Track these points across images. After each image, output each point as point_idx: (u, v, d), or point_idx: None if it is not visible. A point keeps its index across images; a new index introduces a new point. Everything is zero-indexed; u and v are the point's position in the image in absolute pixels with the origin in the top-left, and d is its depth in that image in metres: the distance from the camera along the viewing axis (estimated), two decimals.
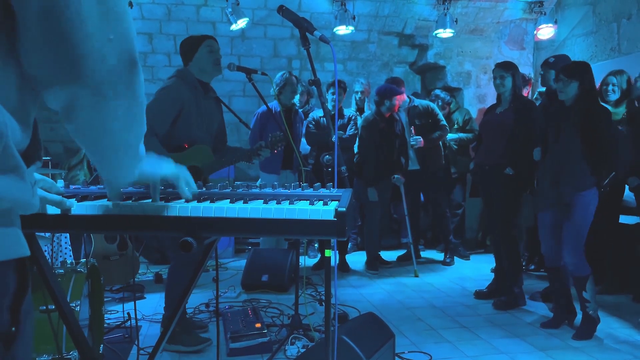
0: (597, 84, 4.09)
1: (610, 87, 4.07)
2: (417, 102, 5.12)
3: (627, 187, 3.99)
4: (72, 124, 0.77)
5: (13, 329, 0.74)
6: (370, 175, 4.83)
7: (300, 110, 5.07)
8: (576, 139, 3.12)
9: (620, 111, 4.03)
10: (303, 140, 4.95)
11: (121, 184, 1.05)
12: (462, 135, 5.42)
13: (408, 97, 5.11)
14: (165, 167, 1.13)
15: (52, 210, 1.14)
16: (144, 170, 1.03)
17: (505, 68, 3.80)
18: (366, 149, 4.84)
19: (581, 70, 3.17)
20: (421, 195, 5.45)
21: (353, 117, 4.97)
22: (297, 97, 4.76)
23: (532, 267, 4.95)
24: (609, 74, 4.15)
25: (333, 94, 4.77)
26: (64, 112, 0.75)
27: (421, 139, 4.94)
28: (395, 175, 4.92)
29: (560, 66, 3.34)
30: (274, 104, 4.33)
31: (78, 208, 1.15)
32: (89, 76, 0.70)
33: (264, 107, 4.34)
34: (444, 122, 5.09)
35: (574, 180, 3.13)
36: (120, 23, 0.72)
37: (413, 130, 4.98)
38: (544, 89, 4.92)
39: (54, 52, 0.68)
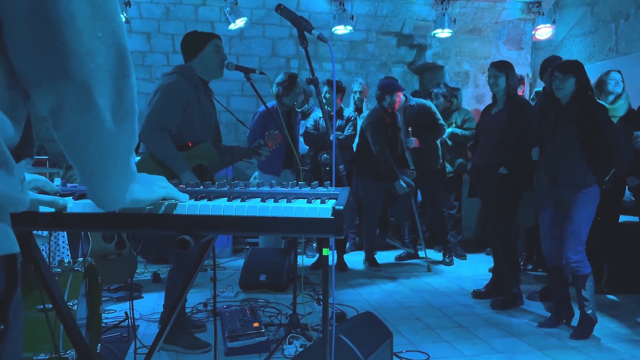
0: (593, 84, 4.11)
1: (613, 82, 4.08)
2: (414, 101, 5.08)
3: (626, 186, 4.00)
4: (60, 130, 0.75)
5: (2, 326, 0.74)
6: (391, 169, 4.76)
7: (299, 110, 5.08)
8: (573, 137, 3.12)
9: (619, 107, 4.04)
10: (301, 139, 4.94)
11: (111, 205, 0.93)
12: (458, 130, 5.37)
13: (404, 95, 5.06)
14: (157, 191, 1.07)
15: (48, 208, 1.14)
16: (137, 197, 0.98)
17: (499, 67, 3.79)
18: (379, 145, 4.71)
19: (576, 67, 3.19)
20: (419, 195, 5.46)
21: (352, 118, 4.96)
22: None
23: (530, 266, 4.96)
24: (611, 71, 4.16)
25: (328, 92, 4.75)
26: (52, 115, 0.74)
27: (414, 140, 4.91)
28: (408, 171, 4.93)
29: (554, 64, 3.35)
30: (273, 104, 4.31)
31: (75, 206, 1.14)
32: (76, 73, 0.70)
33: (264, 107, 4.32)
34: (441, 121, 5.04)
35: (573, 179, 3.13)
36: (109, 22, 0.72)
37: (410, 131, 4.95)
38: (541, 88, 4.93)
39: (42, 48, 0.68)
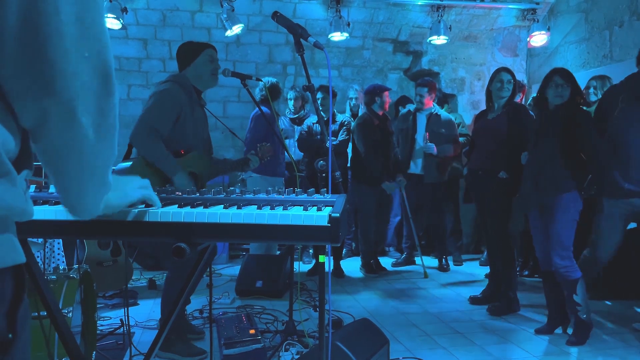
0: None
1: (591, 90, 4.23)
2: (442, 112, 5.13)
3: None
4: (40, 143, 0.76)
5: (10, 335, 0.74)
6: (378, 174, 4.80)
7: (295, 116, 5.11)
8: (556, 143, 3.15)
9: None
10: (296, 145, 4.97)
11: (84, 214, 0.92)
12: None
13: (435, 104, 5.12)
14: (131, 194, 1.10)
15: (43, 216, 1.13)
16: (111, 203, 1.00)
17: (512, 73, 3.87)
18: (366, 147, 4.78)
19: (572, 77, 3.22)
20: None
21: (346, 123, 4.97)
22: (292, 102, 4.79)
23: (526, 272, 4.96)
24: (592, 79, 4.28)
25: (324, 98, 4.76)
26: (33, 129, 0.74)
27: (434, 147, 4.88)
28: (398, 177, 4.94)
29: (553, 69, 3.36)
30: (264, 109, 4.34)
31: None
32: (62, 92, 0.70)
33: (264, 110, 4.33)
34: (460, 138, 5.10)
35: (553, 183, 3.15)
36: (96, 42, 0.73)
37: (427, 136, 4.95)
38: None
39: (29, 66, 0.68)
